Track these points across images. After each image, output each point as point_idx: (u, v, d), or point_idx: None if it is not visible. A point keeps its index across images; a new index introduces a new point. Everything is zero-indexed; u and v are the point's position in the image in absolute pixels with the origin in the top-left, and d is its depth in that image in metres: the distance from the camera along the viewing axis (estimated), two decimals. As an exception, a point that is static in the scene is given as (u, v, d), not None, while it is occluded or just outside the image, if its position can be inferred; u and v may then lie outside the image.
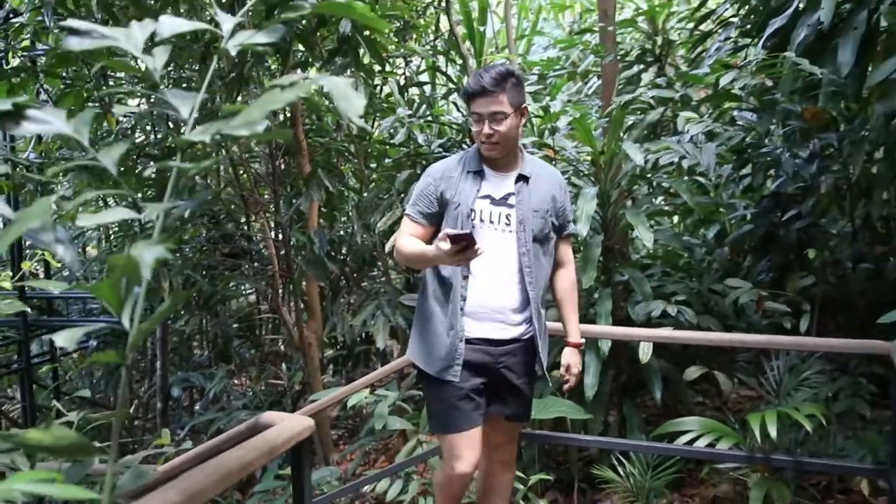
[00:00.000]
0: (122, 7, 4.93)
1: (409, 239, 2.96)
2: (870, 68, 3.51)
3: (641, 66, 7.46)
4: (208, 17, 4.59)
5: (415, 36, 7.79)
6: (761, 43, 4.13)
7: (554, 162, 4.63)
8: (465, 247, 2.55)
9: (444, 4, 6.56)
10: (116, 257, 1.20)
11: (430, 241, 2.88)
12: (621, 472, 4.19)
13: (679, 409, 4.36)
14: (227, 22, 1.62)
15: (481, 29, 7.16)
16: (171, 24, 1.56)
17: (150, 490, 1.58)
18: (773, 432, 3.40)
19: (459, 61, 7.06)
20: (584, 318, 3.96)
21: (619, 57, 6.97)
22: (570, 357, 3.16)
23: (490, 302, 2.92)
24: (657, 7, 7.46)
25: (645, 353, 3.95)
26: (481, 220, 2.89)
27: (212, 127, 1.42)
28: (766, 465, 3.74)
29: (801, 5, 3.68)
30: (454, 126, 6.85)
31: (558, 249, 3.12)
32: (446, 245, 2.56)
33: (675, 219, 6.70)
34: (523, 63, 8.01)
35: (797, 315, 4.34)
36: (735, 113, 4.61)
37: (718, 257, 5.02)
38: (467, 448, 2.95)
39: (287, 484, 4.86)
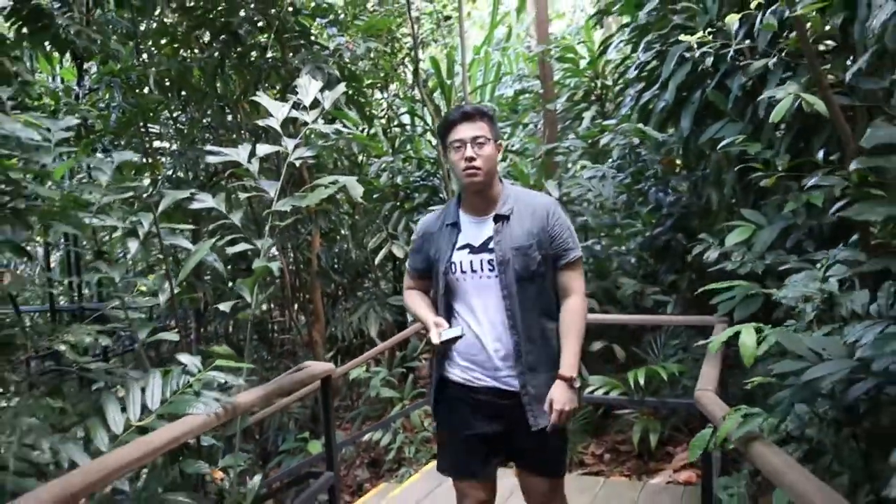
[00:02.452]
0: (174, 83, 6.53)
1: (413, 296, 3.08)
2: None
3: (584, 105, 9.10)
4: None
5: (396, 84, 9.45)
6: (634, 107, 5.77)
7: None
8: (454, 340, 2.78)
9: (414, 62, 8.18)
10: (260, 266, 2.85)
11: (427, 291, 3.08)
12: (551, 420, 5.79)
13: (589, 371, 5.94)
14: (290, 145, 3.30)
15: (448, 82, 8.77)
16: (263, 149, 3.24)
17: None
18: (641, 381, 5.00)
19: (432, 107, 8.68)
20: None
21: (567, 96, 8.65)
22: (554, 391, 2.77)
23: (477, 350, 2.85)
24: (597, 54, 9.05)
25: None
26: (462, 272, 2.84)
27: (290, 200, 3.11)
28: (643, 406, 5.35)
29: (656, 86, 5.29)
30: (430, 160, 8.45)
31: (559, 280, 2.87)
32: (435, 339, 2.77)
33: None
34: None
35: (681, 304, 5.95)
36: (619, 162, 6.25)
37: (627, 263, 6.62)
38: (466, 494, 2.95)
39: (304, 445, 6.47)
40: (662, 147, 5.50)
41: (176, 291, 3.30)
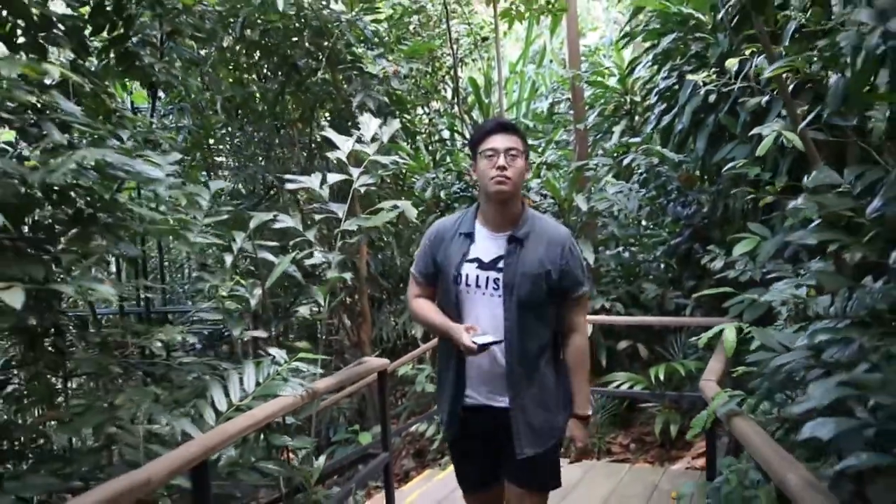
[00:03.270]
0: (237, 107, 7.22)
1: (421, 303, 3.00)
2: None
3: (614, 120, 9.64)
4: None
5: (437, 101, 10.07)
6: (656, 127, 6.34)
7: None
8: (490, 346, 2.69)
9: (453, 80, 8.81)
10: (334, 276, 3.50)
11: (433, 299, 2.99)
12: (581, 414, 6.37)
13: (615, 368, 6.50)
14: (355, 173, 3.93)
15: (486, 100, 9.38)
16: (333, 177, 3.88)
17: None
18: (661, 377, 5.56)
19: (471, 122, 9.30)
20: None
21: (598, 111, 9.22)
22: (573, 429, 2.90)
23: (481, 368, 2.83)
24: (626, 73, 9.57)
25: (588, 330, 6.14)
26: (467, 285, 2.82)
27: (356, 221, 3.76)
28: (664, 400, 5.90)
29: (675, 109, 5.85)
30: (468, 172, 9.06)
31: (565, 315, 2.87)
32: (472, 346, 2.65)
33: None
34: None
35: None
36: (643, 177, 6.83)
37: (653, 269, 7.17)
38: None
39: (354, 437, 7.12)
40: (681, 165, 6.06)
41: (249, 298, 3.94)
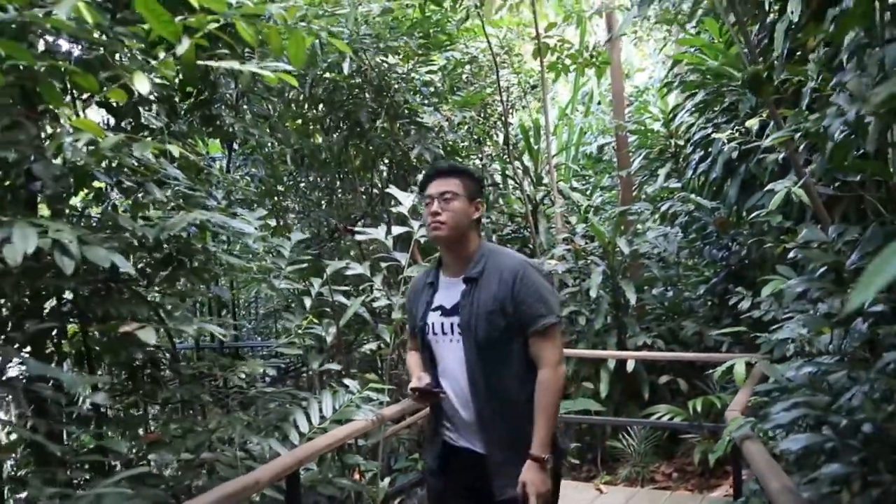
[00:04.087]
0: (305, 158, 7.86)
1: (411, 354, 3.13)
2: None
3: (659, 163, 10.08)
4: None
5: (488, 146, 10.63)
6: (693, 174, 6.81)
7: (576, 253, 7.32)
8: (428, 393, 2.82)
9: (504, 127, 9.37)
10: (399, 317, 4.03)
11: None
12: (625, 444, 6.77)
13: (658, 401, 6.90)
14: (416, 225, 4.46)
15: (535, 147, 9.91)
16: (397, 229, 4.43)
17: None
18: (699, 409, 5.96)
19: (522, 167, 9.83)
20: (596, 348, 6.65)
21: (643, 154, 9.68)
22: (526, 473, 2.66)
23: (453, 413, 2.84)
24: (669, 118, 10.01)
25: (631, 365, 6.57)
26: (434, 333, 2.85)
27: (417, 267, 4.27)
28: (702, 430, 6.29)
29: (709, 160, 6.31)
30: (520, 214, 9.58)
31: (531, 350, 2.76)
32: (414, 382, 2.86)
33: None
34: (564, 172, 10.78)
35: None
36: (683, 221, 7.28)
37: (695, 306, 7.58)
38: None
39: (414, 464, 7.60)
40: (716, 211, 6.50)
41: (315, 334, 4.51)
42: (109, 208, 4.24)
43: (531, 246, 9.03)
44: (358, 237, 4.45)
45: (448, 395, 2.85)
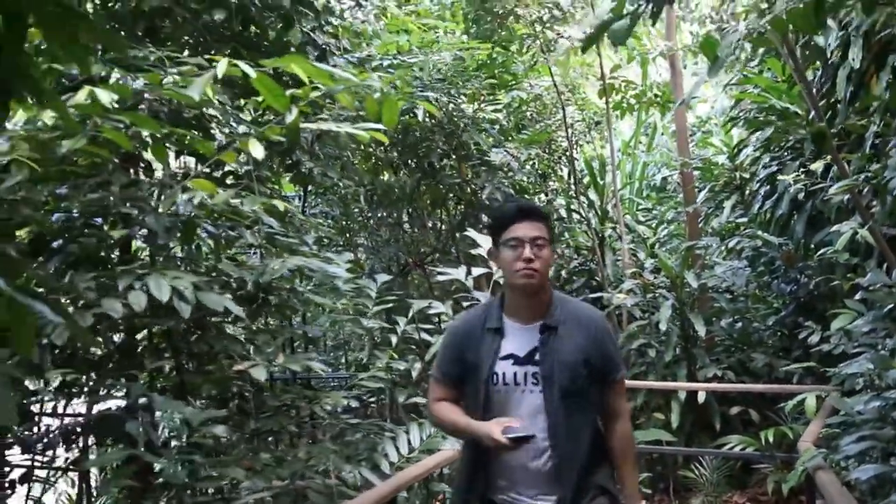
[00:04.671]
0: (378, 197, 8.21)
1: (441, 406, 2.79)
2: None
3: (725, 195, 10.19)
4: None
5: (554, 180, 10.88)
6: (760, 209, 6.97)
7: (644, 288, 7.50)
8: (523, 440, 2.49)
9: (569, 163, 9.62)
10: None
11: (458, 403, 2.77)
12: (697, 474, 6.89)
13: (729, 432, 7.00)
14: (494, 267, 4.67)
15: (601, 182, 10.12)
16: (477, 270, 4.69)
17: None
18: (771, 440, 6.07)
19: (587, 201, 10.05)
20: (665, 380, 6.81)
21: (709, 187, 9.82)
22: None
23: (517, 465, 2.65)
24: (734, 152, 10.12)
25: (702, 397, 6.71)
26: (505, 384, 2.65)
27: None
28: (774, 460, 6.39)
29: (775, 196, 6.47)
30: (586, 247, 9.77)
31: (605, 400, 2.74)
32: (502, 439, 2.47)
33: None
34: (629, 205, 10.97)
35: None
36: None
37: (766, 338, 7.67)
38: None
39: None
40: (783, 246, 6.65)
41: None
42: (194, 249, 4.62)
43: (598, 279, 9.21)
44: (439, 277, 4.72)
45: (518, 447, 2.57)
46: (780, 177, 5.05)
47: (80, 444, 4.55)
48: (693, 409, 7.07)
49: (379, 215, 8.96)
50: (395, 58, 6.79)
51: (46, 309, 1.70)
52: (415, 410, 4.89)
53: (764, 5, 3.76)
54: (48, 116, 3.15)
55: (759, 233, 6.59)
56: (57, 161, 3.27)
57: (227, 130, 4.31)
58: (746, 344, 7.48)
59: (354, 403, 4.80)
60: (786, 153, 6.49)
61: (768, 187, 7.08)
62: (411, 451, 4.14)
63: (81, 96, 3.14)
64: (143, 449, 3.08)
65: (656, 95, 8.88)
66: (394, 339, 4.52)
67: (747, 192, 9.93)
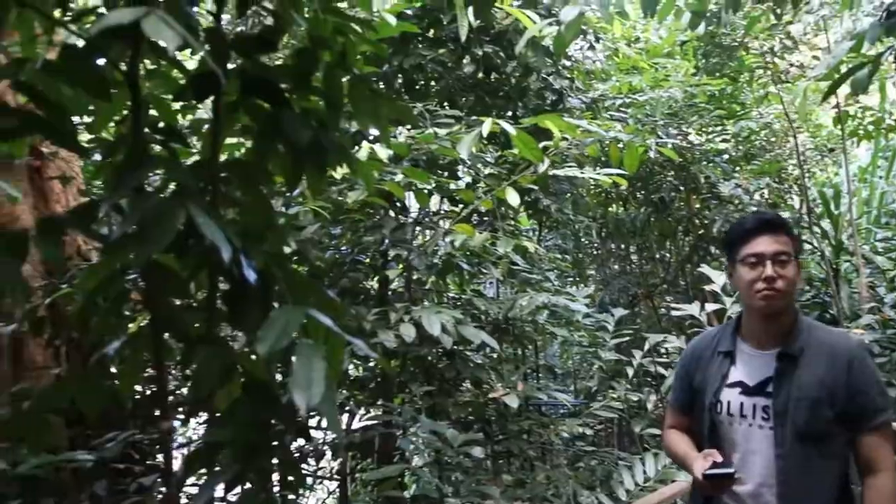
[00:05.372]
0: (610, 232, 8.45)
1: (671, 434, 2.62)
2: None
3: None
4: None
5: (784, 210, 10.60)
6: None
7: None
8: (723, 479, 2.25)
9: (801, 192, 9.37)
10: None
11: (690, 432, 2.55)
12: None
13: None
14: (728, 301, 4.81)
15: (836, 212, 9.76)
16: (710, 306, 4.79)
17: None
18: None
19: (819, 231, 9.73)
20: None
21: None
22: None
23: None
24: None
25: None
26: (730, 414, 2.37)
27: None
28: None
29: None
30: (819, 279, 9.45)
31: (859, 449, 2.29)
32: (697, 470, 2.28)
33: None
34: (866, 235, 10.48)
35: None
36: None
37: None
38: None
39: None
40: None
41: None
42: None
43: (832, 313, 8.86)
44: (674, 313, 4.90)
45: (741, 490, 2.33)
46: None
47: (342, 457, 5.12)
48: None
49: (609, 247, 9.17)
50: (627, 96, 7.01)
51: (362, 343, 2.12)
52: (649, 441, 5.07)
53: None
54: (339, 172, 3.68)
55: None
56: (342, 209, 3.80)
57: (473, 173, 4.77)
58: None
59: (589, 431, 5.05)
60: None
61: None
62: (646, 480, 4.33)
63: (363, 153, 3.66)
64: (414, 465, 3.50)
65: (897, 121, 8.49)
66: (629, 371, 4.74)
67: None
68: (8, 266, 1.51)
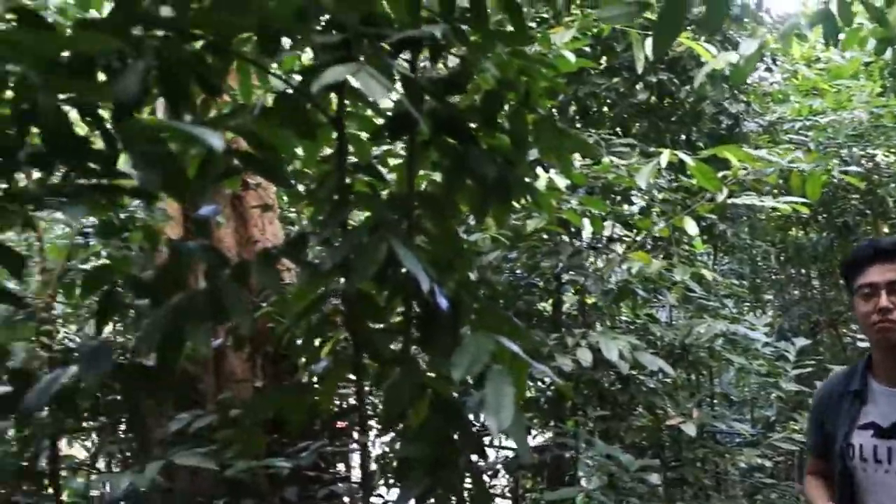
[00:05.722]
0: (789, 258, 8.18)
1: (809, 481, 2.44)
2: None
3: None
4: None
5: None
6: None
7: None
8: None
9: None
10: None
11: (827, 476, 2.33)
12: None
13: None
14: None
15: None
16: None
17: None
18: None
19: None
20: None
21: None
22: None
23: None
24: None
25: None
26: (863, 459, 2.15)
27: None
28: None
29: None
30: None
31: None
32: None
33: None
34: None
35: None
36: None
37: None
38: None
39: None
40: None
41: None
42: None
43: None
44: (861, 343, 4.72)
45: None
46: None
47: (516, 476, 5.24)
48: None
49: (789, 273, 8.86)
50: (808, 118, 6.80)
51: (545, 367, 2.25)
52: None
53: None
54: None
55: None
56: (520, 236, 3.96)
57: (647, 198, 4.81)
58: None
59: (768, 463, 4.93)
60: None
61: None
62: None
63: (542, 182, 3.80)
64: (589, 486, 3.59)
65: None
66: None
67: None
68: (234, 293, 1.72)
